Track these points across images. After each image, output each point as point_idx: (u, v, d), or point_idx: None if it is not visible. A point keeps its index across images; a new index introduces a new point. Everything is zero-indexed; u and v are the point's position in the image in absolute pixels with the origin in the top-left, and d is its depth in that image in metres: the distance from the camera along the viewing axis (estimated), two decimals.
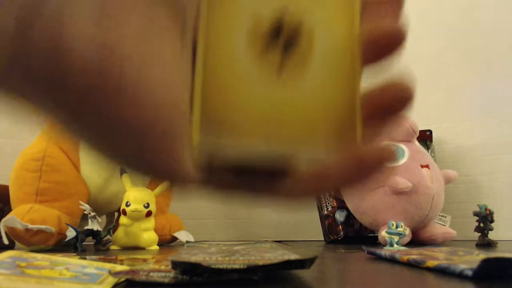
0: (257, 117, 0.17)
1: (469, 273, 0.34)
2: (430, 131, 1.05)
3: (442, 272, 0.38)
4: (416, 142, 0.91)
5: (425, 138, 1.02)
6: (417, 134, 0.90)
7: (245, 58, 0.17)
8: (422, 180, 0.83)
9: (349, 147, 0.17)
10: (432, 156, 0.98)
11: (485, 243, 0.81)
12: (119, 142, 0.15)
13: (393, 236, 0.71)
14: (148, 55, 0.15)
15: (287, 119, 0.17)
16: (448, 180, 0.90)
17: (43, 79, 0.13)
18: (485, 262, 0.33)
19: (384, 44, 0.17)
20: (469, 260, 0.41)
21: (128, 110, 0.14)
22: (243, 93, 0.17)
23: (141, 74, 0.14)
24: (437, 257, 0.44)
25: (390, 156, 0.16)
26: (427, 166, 0.86)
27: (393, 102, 0.16)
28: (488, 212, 0.83)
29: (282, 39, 0.17)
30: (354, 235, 0.93)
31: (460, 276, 0.35)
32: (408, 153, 0.85)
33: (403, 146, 0.86)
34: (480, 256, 0.43)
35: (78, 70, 0.13)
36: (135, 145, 0.15)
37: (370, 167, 0.16)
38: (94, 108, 0.14)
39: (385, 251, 0.52)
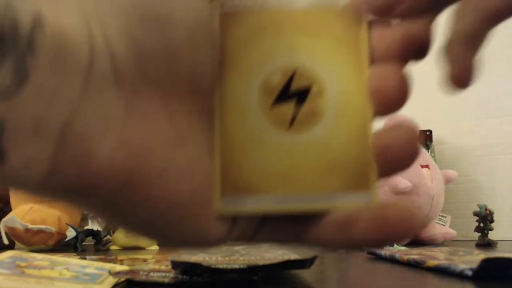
0: (274, 172, 0.17)
1: (469, 273, 0.34)
2: (430, 131, 1.05)
3: (442, 272, 0.38)
4: None
5: (425, 138, 1.02)
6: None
7: (258, 114, 0.18)
8: (422, 180, 0.83)
9: (369, 200, 0.17)
10: (432, 156, 0.98)
11: (485, 243, 0.81)
12: (146, 225, 0.16)
13: None
14: (171, 151, 0.15)
15: (302, 170, 0.17)
16: (448, 180, 0.90)
17: (75, 189, 0.14)
18: (485, 262, 0.33)
19: (391, 101, 0.17)
20: (469, 260, 0.41)
21: (155, 203, 0.15)
22: (258, 150, 0.17)
23: (166, 170, 0.15)
24: (437, 257, 0.44)
25: (414, 221, 0.16)
26: (427, 166, 0.86)
27: (403, 150, 0.16)
28: (488, 212, 0.83)
29: (294, 90, 0.18)
30: None
31: (460, 276, 0.35)
32: None
33: None
34: (480, 256, 0.43)
35: (106, 180, 0.14)
36: (164, 226, 0.16)
37: (395, 231, 0.16)
38: (122, 205, 0.15)
39: (385, 251, 0.52)
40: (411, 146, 0.16)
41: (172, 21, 0.15)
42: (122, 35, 0.15)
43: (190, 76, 0.16)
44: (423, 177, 0.83)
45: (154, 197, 0.15)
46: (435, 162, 0.91)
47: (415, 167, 0.84)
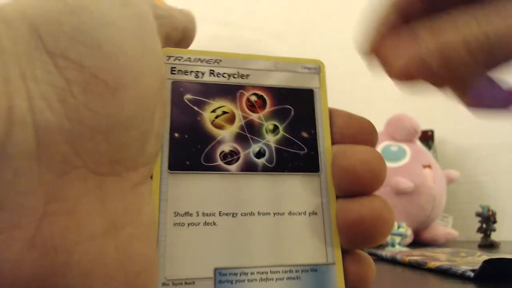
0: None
1: (471, 274, 0.34)
2: (432, 131, 1.04)
3: (444, 273, 0.38)
4: (418, 142, 0.90)
5: (427, 138, 1.02)
6: (419, 134, 0.89)
7: None
8: (424, 180, 0.82)
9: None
10: (434, 156, 0.97)
11: (487, 244, 0.80)
12: None
13: (394, 237, 0.71)
14: (101, 241, 0.13)
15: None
16: (450, 180, 0.89)
17: None
18: (487, 264, 0.33)
19: (360, 183, 0.16)
20: (471, 261, 0.40)
21: None
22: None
23: (94, 267, 0.13)
24: (438, 258, 0.44)
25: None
26: (429, 166, 0.85)
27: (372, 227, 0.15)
28: (490, 212, 0.82)
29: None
30: None
31: (461, 277, 0.35)
32: (409, 153, 0.84)
33: (404, 146, 0.86)
34: (482, 257, 0.42)
35: None
36: None
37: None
38: None
39: (386, 252, 0.52)
40: (384, 220, 0.15)
41: (124, 88, 0.13)
42: (56, 102, 0.12)
43: (135, 149, 0.14)
44: (425, 177, 0.83)
45: None
46: (437, 162, 0.90)
47: (417, 167, 0.83)
